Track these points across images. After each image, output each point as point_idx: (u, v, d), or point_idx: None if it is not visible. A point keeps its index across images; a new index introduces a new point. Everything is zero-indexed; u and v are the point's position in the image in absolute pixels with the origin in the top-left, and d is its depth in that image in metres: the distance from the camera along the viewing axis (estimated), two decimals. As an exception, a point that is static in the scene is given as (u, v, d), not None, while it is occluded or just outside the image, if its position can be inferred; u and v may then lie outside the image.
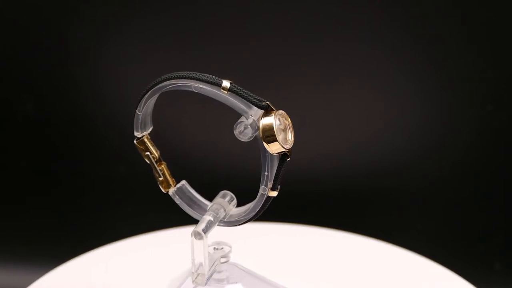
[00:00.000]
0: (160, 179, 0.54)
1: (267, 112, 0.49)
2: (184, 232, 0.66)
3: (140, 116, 0.53)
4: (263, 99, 0.49)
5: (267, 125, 0.49)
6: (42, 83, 0.96)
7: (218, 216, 0.53)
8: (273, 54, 0.93)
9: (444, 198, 0.98)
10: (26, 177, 0.99)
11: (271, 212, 0.91)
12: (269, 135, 0.49)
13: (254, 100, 0.49)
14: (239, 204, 0.55)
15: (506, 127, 0.95)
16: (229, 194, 0.55)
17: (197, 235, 0.52)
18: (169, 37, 0.93)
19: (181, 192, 0.55)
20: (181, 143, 0.98)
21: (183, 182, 0.55)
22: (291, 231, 0.79)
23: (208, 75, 0.49)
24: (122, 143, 0.95)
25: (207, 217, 0.53)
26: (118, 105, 0.96)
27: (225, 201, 0.54)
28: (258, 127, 0.49)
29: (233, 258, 0.58)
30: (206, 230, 0.52)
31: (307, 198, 0.98)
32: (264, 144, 0.49)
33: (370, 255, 0.75)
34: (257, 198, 0.51)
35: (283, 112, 0.50)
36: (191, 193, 0.55)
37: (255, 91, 1.00)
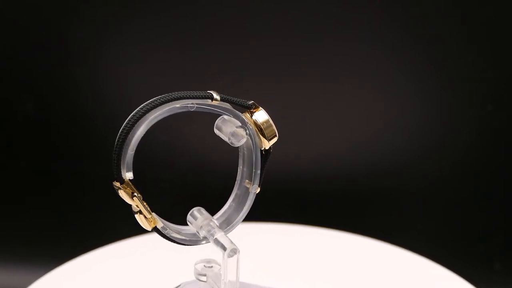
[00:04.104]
0: (149, 217, 0.48)
1: (252, 110, 0.49)
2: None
3: (132, 155, 0.46)
4: (246, 100, 0.49)
5: (267, 123, 0.49)
6: (42, 83, 0.96)
7: (218, 229, 0.51)
8: (273, 54, 0.93)
9: (444, 198, 0.98)
10: (26, 177, 0.99)
11: (271, 212, 0.91)
12: (271, 131, 0.49)
13: (242, 102, 0.49)
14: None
15: (506, 127, 0.95)
16: (201, 208, 0.52)
17: (233, 251, 0.50)
18: (169, 37, 0.93)
19: (166, 225, 0.50)
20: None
21: (154, 215, 0.50)
22: (291, 231, 0.79)
23: (193, 91, 0.47)
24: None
25: (219, 233, 0.50)
26: (118, 105, 0.96)
27: (207, 215, 0.51)
28: (255, 126, 0.49)
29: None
30: (234, 244, 0.50)
31: (307, 198, 0.98)
32: (264, 140, 0.49)
33: (370, 255, 0.75)
34: (248, 198, 0.51)
35: None
36: (168, 223, 0.50)
37: (255, 91, 1.00)
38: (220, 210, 0.52)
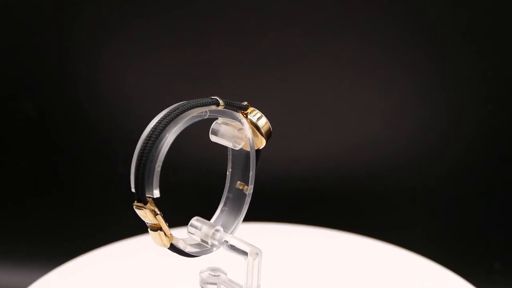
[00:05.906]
0: (169, 234, 0.46)
1: (246, 111, 0.49)
2: (183, 234, 0.66)
3: (159, 172, 0.43)
4: (239, 101, 0.49)
5: (263, 122, 0.49)
6: (42, 83, 0.96)
7: (228, 234, 0.49)
8: (273, 54, 0.93)
9: (444, 198, 0.98)
10: (26, 177, 0.99)
11: (271, 212, 0.91)
12: (268, 130, 0.49)
13: (239, 104, 0.48)
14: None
15: (506, 127, 0.95)
16: (198, 217, 0.50)
17: (256, 254, 0.47)
18: (169, 37, 0.93)
19: (183, 240, 0.48)
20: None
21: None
22: (291, 231, 0.79)
23: (201, 99, 0.45)
24: (122, 143, 0.95)
25: (232, 238, 0.48)
26: (118, 105, 0.96)
27: (209, 223, 0.49)
28: (252, 126, 0.48)
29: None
30: (254, 246, 0.48)
31: (307, 198, 0.98)
32: (262, 139, 0.49)
33: (370, 255, 0.75)
34: (244, 199, 0.50)
35: None
36: (178, 238, 0.48)
37: (255, 92, 1.00)
38: (214, 216, 0.51)
